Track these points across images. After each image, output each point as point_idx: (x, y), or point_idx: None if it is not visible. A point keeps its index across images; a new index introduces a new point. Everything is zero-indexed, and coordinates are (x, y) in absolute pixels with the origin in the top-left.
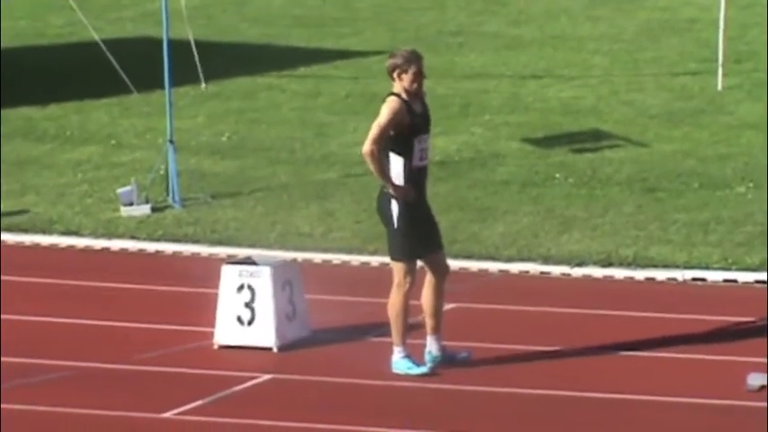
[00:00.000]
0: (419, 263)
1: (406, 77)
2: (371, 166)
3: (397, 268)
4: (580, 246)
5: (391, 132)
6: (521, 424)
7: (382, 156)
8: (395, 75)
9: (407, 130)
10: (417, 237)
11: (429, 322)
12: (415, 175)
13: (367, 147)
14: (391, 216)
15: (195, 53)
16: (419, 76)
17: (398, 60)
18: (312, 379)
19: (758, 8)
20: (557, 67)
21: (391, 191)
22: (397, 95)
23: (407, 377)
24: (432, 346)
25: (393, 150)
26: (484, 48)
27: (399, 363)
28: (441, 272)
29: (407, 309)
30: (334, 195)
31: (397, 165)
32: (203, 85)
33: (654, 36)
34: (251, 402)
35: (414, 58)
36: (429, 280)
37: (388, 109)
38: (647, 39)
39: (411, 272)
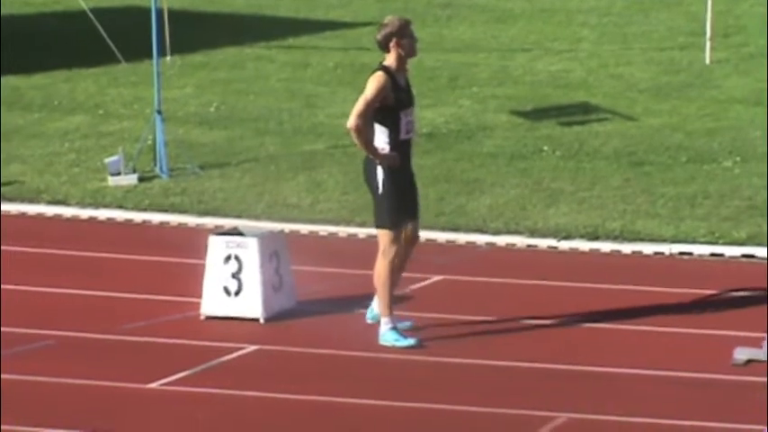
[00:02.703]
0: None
1: (405, 43)
2: (357, 140)
3: (383, 235)
4: (567, 219)
5: (377, 105)
6: (507, 396)
7: (368, 128)
8: (391, 45)
9: (393, 105)
10: (401, 203)
11: None
12: (401, 146)
13: (352, 121)
14: (377, 182)
15: (166, 24)
16: (414, 41)
17: (392, 29)
18: (298, 350)
19: None
20: (546, 40)
21: (378, 159)
22: (385, 69)
23: (394, 349)
24: (376, 304)
25: (380, 123)
26: (473, 20)
27: (387, 335)
28: (412, 239)
29: (393, 277)
30: (321, 166)
31: (383, 137)
32: (168, 57)
33: (643, 10)
34: (237, 373)
35: (406, 24)
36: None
37: (374, 84)
38: (636, 12)
39: (397, 239)
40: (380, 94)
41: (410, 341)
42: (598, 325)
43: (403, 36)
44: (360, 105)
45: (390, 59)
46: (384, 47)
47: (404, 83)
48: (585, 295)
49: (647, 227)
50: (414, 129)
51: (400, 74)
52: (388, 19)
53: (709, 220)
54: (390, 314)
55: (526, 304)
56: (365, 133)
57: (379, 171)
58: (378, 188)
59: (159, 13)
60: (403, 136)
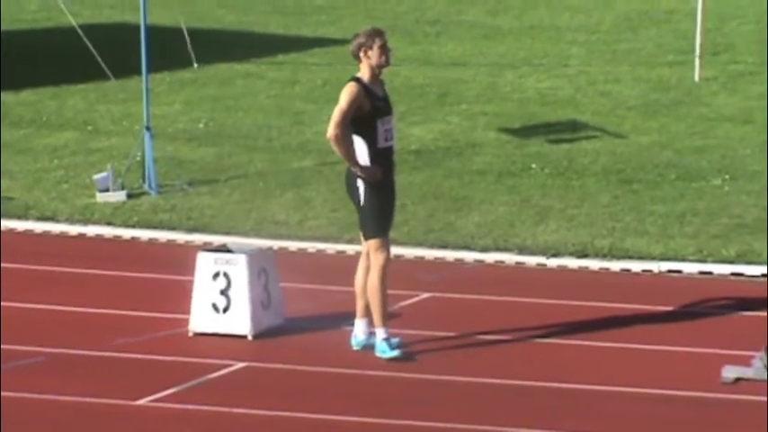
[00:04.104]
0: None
1: (373, 53)
2: (337, 150)
3: (370, 245)
4: (556, 236)
5: (354, 115)
6: (494, 413)
7: (347, 139)
8: (361, 54)
9: (370, 113)
10: (384, 212)
11: (359, 304)
12: (381, 155)
13: (331, 131)
14: (359, 194)
15: (186, 36)
16: (386, 50)
17: (362, 39)
18: (286, 367)
19: (736, 0)
20: (534, 57)
21: (359, 172)
22: (357, 80)
23: (382, 366)
24: (358, 330)
25: (357, 133)
26: (462, 37)
27: (380, 345)
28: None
29: (386, 286)
30: (310, 183)
31: (362, 147)
32: (195, 65)
33: (632, 27)
34: (225, 390)
35: (376, 33)
36: (363, 261)
37: (346, 94)
38: (624, 30)
39: (384, 245)
40: (354, 102)
41: (394, 353)
42: (586, 343)
43: (371, 46)
44: (336, 115)
45: (363, 69)
46: (356, 57)
47: (381, 92)
48: (574, 313)
49: (635, 245)
50: (393, 137)
51: (375, 84)
52: (361, 30)
53: (698, 238)
54: (384, 325)
55: (514, 322)
56: (345, 143)
57: (360, 182)
58: (360, 199)
59: (148, 29)
60: (381, 144)
